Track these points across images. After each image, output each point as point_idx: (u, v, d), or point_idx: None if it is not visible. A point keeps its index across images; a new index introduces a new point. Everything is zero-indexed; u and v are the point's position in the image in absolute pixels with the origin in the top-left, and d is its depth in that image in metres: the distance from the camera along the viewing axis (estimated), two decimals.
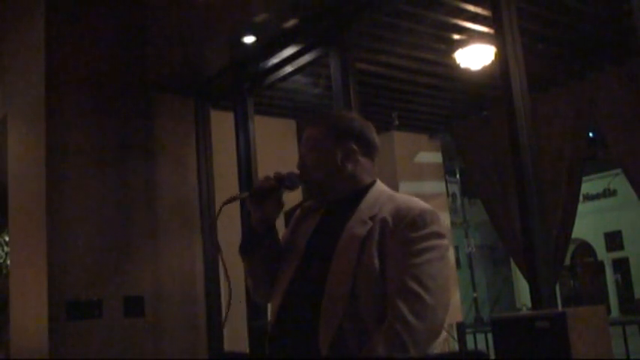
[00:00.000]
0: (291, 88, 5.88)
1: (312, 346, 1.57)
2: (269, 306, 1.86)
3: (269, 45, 4.42)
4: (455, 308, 7.62)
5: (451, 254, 8.25)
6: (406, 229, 1.61)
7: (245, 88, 4.92)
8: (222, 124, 5.20)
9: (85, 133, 4.23)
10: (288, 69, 4.55)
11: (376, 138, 1.85)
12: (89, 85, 4.30)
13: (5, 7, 4.88)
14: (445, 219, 8.14)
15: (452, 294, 7.62)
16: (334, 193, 1.80)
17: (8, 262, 5.76)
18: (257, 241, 1.81)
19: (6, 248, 7.37)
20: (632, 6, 3.15)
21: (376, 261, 1.59)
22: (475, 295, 15.23)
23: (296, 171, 1.83)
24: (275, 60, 4.52)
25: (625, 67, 5.56)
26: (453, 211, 11.93)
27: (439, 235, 1.64)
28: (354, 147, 1.78)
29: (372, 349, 1.50)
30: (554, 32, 5.40)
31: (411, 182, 7.55)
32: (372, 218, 1.66)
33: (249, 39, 4.34)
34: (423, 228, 1.61)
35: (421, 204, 1.69)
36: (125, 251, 4.24)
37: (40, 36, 4.24)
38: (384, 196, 1.75)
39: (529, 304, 4.90)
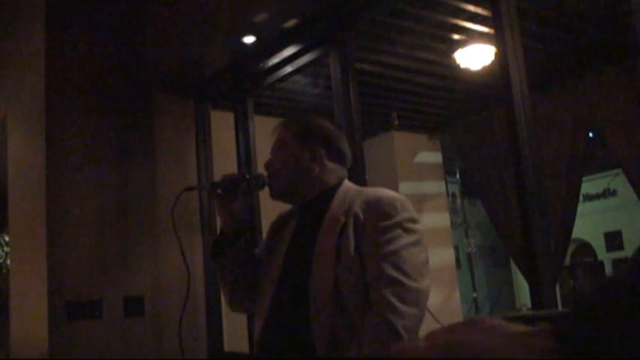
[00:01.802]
0: (291, 88, 5.88)
1: (307, 348, 1.57)
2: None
3: (269, 45, 4.42)
4: (455, 308, 7.62)
5: (451, 254, 8.24)
6: (378, 219, 1.62)
7: (245, 88, 4.92)
8: (222, 124, 5.20)
9: (85, 133, 4.23)
10: (288, 69, 4.54)
11: (346, 146, 1.88)
12: (89, 85, 4.30)
13: (5, 7, 4.88)
14: (445, 219, 8.13)
15: (452, 293, 7.62)
16: (301, 196, 1.82)
17: (8, 262, 5.76)
18: (225, 244, 1.81)
19: (6, 248, 7.37)
20: (632, 6, 3.15)
21: (354, 254, 1.61)
22: (475, 295, 15.20)
23: (264, 171, 1.85)
24: (275, 60, 4.52)
25: (625, 67, 5.56)
26: (453, 211, 11.91)
27: (411, 220, 1.65)
28: (322, 150, 1.81)
29: (368, 341, 1.50)
30: (554, 32, 5.40)
31: (411, 182, 7.54)
32: (344, 214, 1.68)
33: (249, 39, 4.34)
34: (394, 216, 1.63)
35: (390, 193, 1.71)
36: (125, 251, 4.24)
37: (40, 36, 4.24)
38: (352, 191, 1.77)
39: (529, 304, 4.90)
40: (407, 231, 1.62)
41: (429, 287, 1.60)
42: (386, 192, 1.71)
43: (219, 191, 1.82)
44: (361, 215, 1.65)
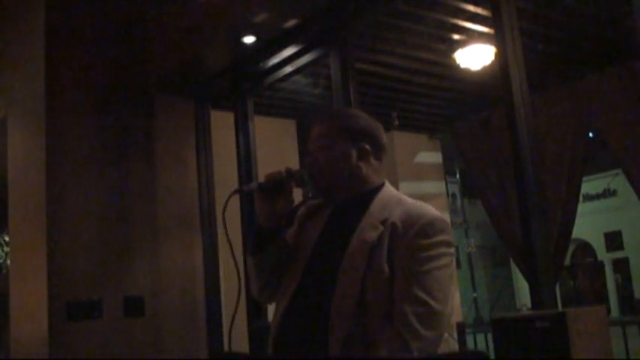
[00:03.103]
0: (291, 88, 5.88)
1: (321, 350, 1.56)
2: (270, 306, 1.84)
3: (269, 45, 4.42)
4: (455, 308, 7.62)
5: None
6: (415, 236, 1.59)
7: (245, 88, 4.92)
8: (222, 124, 5.20)
9: (85, 133, 4.23)
10: (288, 69, 4.55)
11: (385, 138, 1.84)
12: (89, 85, 4.30)
13: (5, 7, 4.88)
14: (445, 219, 8.14)
15: (453, 291, 7.65)
16: (343, 194, 1.76)
17: (8, 262, 5.76)
18: (267, 240, 1.77)
19: (6, 248, 7.37)
20: (632, 6, 3.15)
21: (385, 266, 1.58)
22: (475, 295, 15.21)
23: (305, 169, 1.80)
24: (275, 60, 4.52)
25: (625, 67, 5.56)
26: (453, 211, 11.93)
27: (447, 244, 1.63)
28: (368, 147, 1.76)
29: (382, 354, 1.50)
30: (554, 32, 5.40)
31: (411, 182, 7.55)
32: (382, 223, 1.64)
33: (249, 39, 4.34)
34: (433, 236, 1.60)
35: (432, 211, 1.67)
36: (125, 251, 4.24)
37: (40, 36, 4.24)
38: (394, 199, 1.73)
39: (529, 304, 4.90)
40: (441, 253, 1.60)
41: (452, 312, 1.59)
42: (428, 209, 1.68)
43: (263, 192, 1.77)
44: (399, 226, 1.61)
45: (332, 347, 1.54)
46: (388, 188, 1.78)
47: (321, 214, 1.81)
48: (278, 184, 1.75)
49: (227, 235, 1.81)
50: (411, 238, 1.59)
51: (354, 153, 1.74)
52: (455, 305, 7.82)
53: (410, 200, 1.74)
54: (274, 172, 1.76)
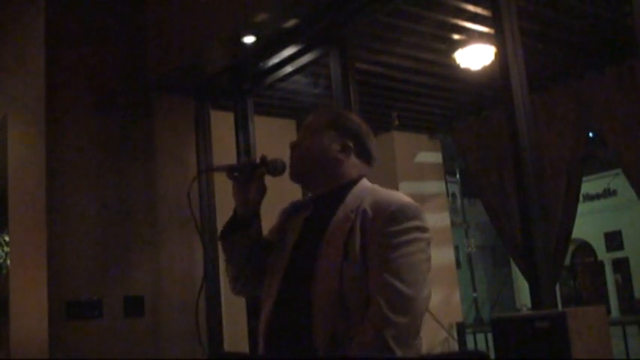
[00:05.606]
0: (291, 88, 5.88)
1: (308, 345, 1.56)
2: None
3: (269, 45, 4.42)
4: (455, 308, 7.62)
5: (451, 254, 8.24)
6: (385, 223, 1.60)
7: (245, 88, 4.92)
8: (222, 124, 5.20)
9: (85, 133, 4.24)
10: (288, 69, 4.54)
11: (373, 144, 1.85)
12: (89, 84, 4.31)
13: (5, 7, 4.89)
14: (445, 219, 8.14)
15: (452, 293, 7.63)
16: (319, 184, 1.79)
17: (8, 262, 5.76)
18: (237, 227, 1.80)
19: (6, 248, 7.37)
20: (632, 6, 3.15)
21: (360, 256, 1.59)
22: (475, 295, 15.22)
23: (284, 159, 1.84)
24: (275, 60, 4.52)
25: (624, 67, 5.56)
26: (453, 211, 11.93)
27: (420, 229, 1.63)
28: (350, 145, 1.79)
29: (357, 348, 1.49)
30: (554, 32, 5.40)
31: (411, 182, 7.55)
32: (353, 211, 1.65)
33: (249, 39, 4.34)
34: (403, 222, 1.60)
35: (403, 198, 1.68)
36: (125, 251, 4.24)
37: (40, 35, 4.24)
38: (368, 190, 1.75)
39: (529, 304, 4.91)
40: (414, 239, 1.60)
41: (427, 298, 1.57)
42: (399, 196, 1.69)
43: (235, 174, 1.81)
44: (370, 213, 1.62)
45: (318, 343, 1.54)
46: (364, 182, 1.80)
47: (303, 211, 1.83)
48: (248, 168, 1.79)
49: (194, 217, 1.83)
50: (381, 225, 1.60)
51: (335, 146, 1.77)
52: (455, 305, 7.81)
53: (383, 189, 1.75)
54: (247, 158, 1.81)
